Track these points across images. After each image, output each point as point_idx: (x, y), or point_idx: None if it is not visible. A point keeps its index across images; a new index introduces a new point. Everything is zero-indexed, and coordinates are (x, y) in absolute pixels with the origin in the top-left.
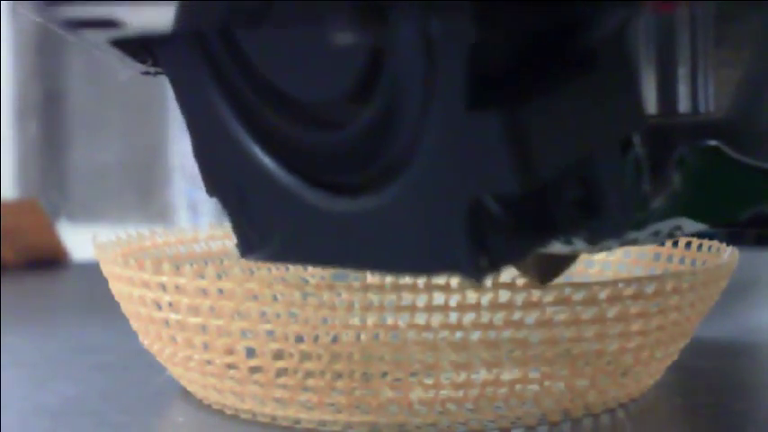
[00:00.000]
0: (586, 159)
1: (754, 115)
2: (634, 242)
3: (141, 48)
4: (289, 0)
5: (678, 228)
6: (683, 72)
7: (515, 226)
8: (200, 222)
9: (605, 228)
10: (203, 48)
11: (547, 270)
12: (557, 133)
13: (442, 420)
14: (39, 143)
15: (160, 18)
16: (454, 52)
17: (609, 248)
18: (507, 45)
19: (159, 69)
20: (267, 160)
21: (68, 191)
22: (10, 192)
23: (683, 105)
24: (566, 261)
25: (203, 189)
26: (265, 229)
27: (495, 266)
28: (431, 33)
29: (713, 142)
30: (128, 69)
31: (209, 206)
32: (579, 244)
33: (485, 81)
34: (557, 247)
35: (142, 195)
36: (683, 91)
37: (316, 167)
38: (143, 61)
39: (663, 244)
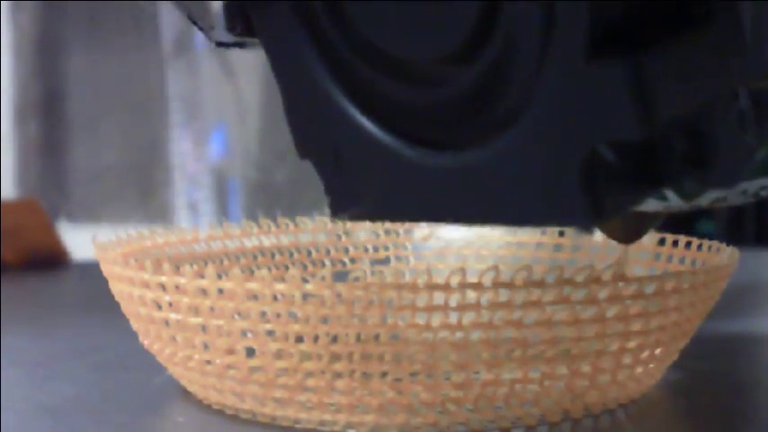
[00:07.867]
0: (700, 109)
1: None
2: (723, 201)
3: (236, 14)
4: None
5: (764, 188)
6: None
7: (628, 176)
8: (200, 222)
9: (716, 177)
10: (302, 10)
11: (632, 230)
12: (675, 83)
13: (442, 420)
14: (39, 143)
15: None
16: (577, 4)
17: (700, 205)
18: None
19: (240, 40)
20: (364, 120)
21: (68, 191)
22: (10, 192)
23: None
24: (650, 221)
25: (200, 187)
26: (360, 188)
27: (607, 216)
28: None
29: None
30: (210, 39)
31: (209, 206)
32: (673, 200)
33: (606, 32)
34: (650, 204)
35: (142, 195)
36: None
37: (416, 125)
38: (233, 28)
39: (670, 244)
